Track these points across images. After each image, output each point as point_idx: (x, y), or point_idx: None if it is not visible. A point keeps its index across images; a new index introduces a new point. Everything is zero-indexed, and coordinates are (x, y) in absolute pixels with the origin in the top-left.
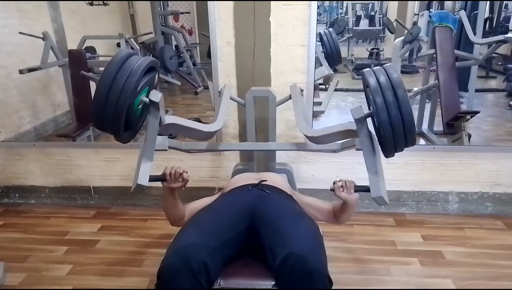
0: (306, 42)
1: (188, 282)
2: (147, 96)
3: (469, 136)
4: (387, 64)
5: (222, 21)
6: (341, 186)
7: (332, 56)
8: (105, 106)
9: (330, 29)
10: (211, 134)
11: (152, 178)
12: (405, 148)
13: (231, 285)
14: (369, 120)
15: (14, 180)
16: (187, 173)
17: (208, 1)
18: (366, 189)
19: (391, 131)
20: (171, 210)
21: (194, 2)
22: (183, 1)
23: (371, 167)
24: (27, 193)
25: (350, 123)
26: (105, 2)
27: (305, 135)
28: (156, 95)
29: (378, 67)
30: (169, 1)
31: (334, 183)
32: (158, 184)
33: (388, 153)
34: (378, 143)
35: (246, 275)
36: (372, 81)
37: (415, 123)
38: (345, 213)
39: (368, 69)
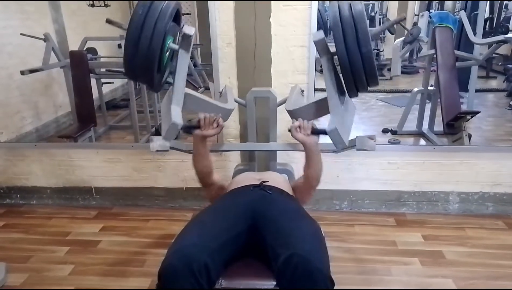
0: (306, 42)
1: (189, 282)
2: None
3: (470, 136)
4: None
5: (223, 22)
6: (299, 126)
7: None
8: (138, 45)
9: None
10: (225, 111)
11: (186, 125)
12: (368, 86)
13: (232, 285)
14: None
15: (16, 180)
16: (222, 119)
17: (208, 2)
18: (324, 131)
19: (349, 63)
20: (201, 160)
21: (195, 3)
22: (184, 1)
23: (332, 107)
24: (28, 193)
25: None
26: (106, 3)
27: (287, 110)
28: (190, 29)
29: (345, 1)
30: None
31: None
32: (158, 185)
33: (350, 90)
34: (341, 83)
35: (247, 275)
36: (333, 13)
37: (375, 59)
38: (309, 164)
39: (334, 1)
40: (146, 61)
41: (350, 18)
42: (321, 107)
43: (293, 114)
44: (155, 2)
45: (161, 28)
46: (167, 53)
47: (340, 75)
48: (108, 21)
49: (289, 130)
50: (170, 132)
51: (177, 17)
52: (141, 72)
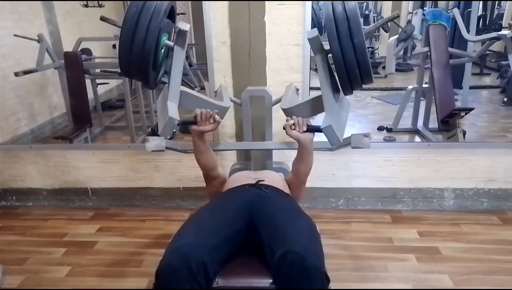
0: (301, 41)
1: (187, 281)
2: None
3: (464, 132)
4: None
5: (217, 21)
6: (293, 124)
7: None
8: (132, 44)
9: None
10: (221, 109)
11: (183, 122)
12: (362, 84)
13: (229, 283)
14: None
15: (11, 182)
16: (218, 115)
17: (203, 2)
18: (319, 128)
19: (343, 61)
20: (203, 157)
21: (189, 2)
22: (178, 1)
23: (327, 105)
24: (24, 195)
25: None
26: (100, 3)
27: (282, 109)
28: (184, 25)
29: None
30: None
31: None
32: (157, 185)
33: (344, 88)
34: (335, 80)
35: (244, 273)
36: (326, 10)
37: (368, 56)
38: (301, 160)
39: (327, 1)
40: (141, 58)
41: (344, 15)
42: (316, 105)
43: (288, 112)
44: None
45: (156, 26)
46: (162, 50)
47: (335, 73)
48: (103, 18)
49: (284, 128)
50: (167, 128)
51: (171, 15)
52: (136, 70)
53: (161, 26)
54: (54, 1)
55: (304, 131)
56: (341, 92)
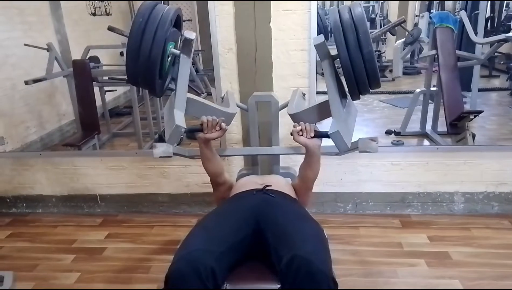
0: (306, 46)
1: (196, 287)
2: (175, 48)
3: (473, 135)
4: (354, 2)
5: (224, 28)
6: (300, 130)
7: None
8: (139, 55)
9: None
10: (228, 115)
11: (189, 129)
12: (370, 89)
13: (237, 288)
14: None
15: (21, 189)
16: (224, 122)
17: (209, 9)
18: (326, 134)
19: (351, 67)
20: (210, 164)
21: (196, 10)
22: (184, 0)
23: (334, 110)
24: (34, 202)
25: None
26: (107, 12)
27: (289, 114)
28: (190, 34)
29: (344, 5)
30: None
31: (294, 127)
32: (162, 191)
33: (352, 93)
34: (342, 85)
35: (251, 278)
36: (333, 18)
37: (376, 61)
38: (308, 166)
39: (334, 7)
40: (147, 68)
41: (351, 21)
42: (323, 110)
43: (295, 117)
44: (155, 9)
45: (162, 35)
46: (169, 58)
47: (342, 77)
48: (110, 28)
49: (291, 134)
50: (173, 136)
51: (178, 23)
52: (143, 79)
53: (167, 36)
54: (63, 11)
55: (311, 137)
56: (348, 96)
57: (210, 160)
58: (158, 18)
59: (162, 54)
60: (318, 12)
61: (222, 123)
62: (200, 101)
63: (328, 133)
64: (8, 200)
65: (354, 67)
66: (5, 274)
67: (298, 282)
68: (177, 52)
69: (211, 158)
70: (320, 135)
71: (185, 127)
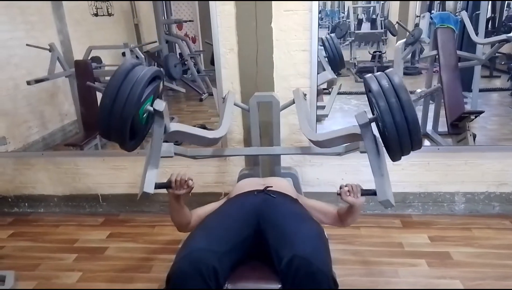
0: (308, 47)
1: (198, 287)
2: (151, 105)
3: (474, 136)
4: (389, 70)
5: (225, 28)
6: (348, 190)
7: (334, 61)
8: (110, 116)
9: (332, 35)
10: (216, 140)
11: (158, 186)
12: (412, 151)
13: (238, 288)
14: (374, 125)
15: (23, 189)
16: (192, 180)
17: (210, 10)
18: (372, 193)
19: (397, 134)
20: (177, 216)
21: (197, 10)
22: (186, 0)
23: (377, 170)
24: (36, 202)
25: (354, 127)
26: (109, 12)
27: (309, 140)
28: (160, 104)
29: (380, 72)
30: (172, 10)
31: (340, 188)
32: (165, 191)
33: (394, 157)
34: (382, 145)
35: (253, 278)
36: (374, 85)
37: (420, 125)
38: (351, 216)
39: (370, 74)
40: (118, 129)
41: (392, 90)
42: (348, 138)
43: (319, 144)
44: (133, 70)
45: (135, 97)
46: (144, 115)
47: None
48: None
49: (338, 194)
50: (142, 198)
51: (156, 78)
52: (115, 137)
53: (141, 99)
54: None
55: (359, 197)
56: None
57: (179, 212)
58: (133, 81)
59: (137, 114)
60: (321, 38)
61: (190, 181)
62: (185, 131)
63: (379, 200)
64: (10, 199)
65: (399, 132)
66: (7, 274)
67: (298, 282)
68: (152, 109)
69: (179, 210)
70: (367, 194)
71: (153, 192)
